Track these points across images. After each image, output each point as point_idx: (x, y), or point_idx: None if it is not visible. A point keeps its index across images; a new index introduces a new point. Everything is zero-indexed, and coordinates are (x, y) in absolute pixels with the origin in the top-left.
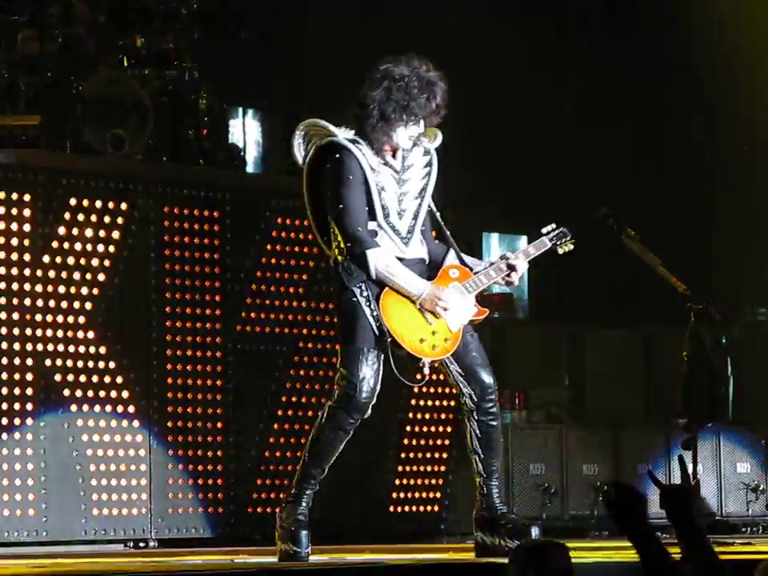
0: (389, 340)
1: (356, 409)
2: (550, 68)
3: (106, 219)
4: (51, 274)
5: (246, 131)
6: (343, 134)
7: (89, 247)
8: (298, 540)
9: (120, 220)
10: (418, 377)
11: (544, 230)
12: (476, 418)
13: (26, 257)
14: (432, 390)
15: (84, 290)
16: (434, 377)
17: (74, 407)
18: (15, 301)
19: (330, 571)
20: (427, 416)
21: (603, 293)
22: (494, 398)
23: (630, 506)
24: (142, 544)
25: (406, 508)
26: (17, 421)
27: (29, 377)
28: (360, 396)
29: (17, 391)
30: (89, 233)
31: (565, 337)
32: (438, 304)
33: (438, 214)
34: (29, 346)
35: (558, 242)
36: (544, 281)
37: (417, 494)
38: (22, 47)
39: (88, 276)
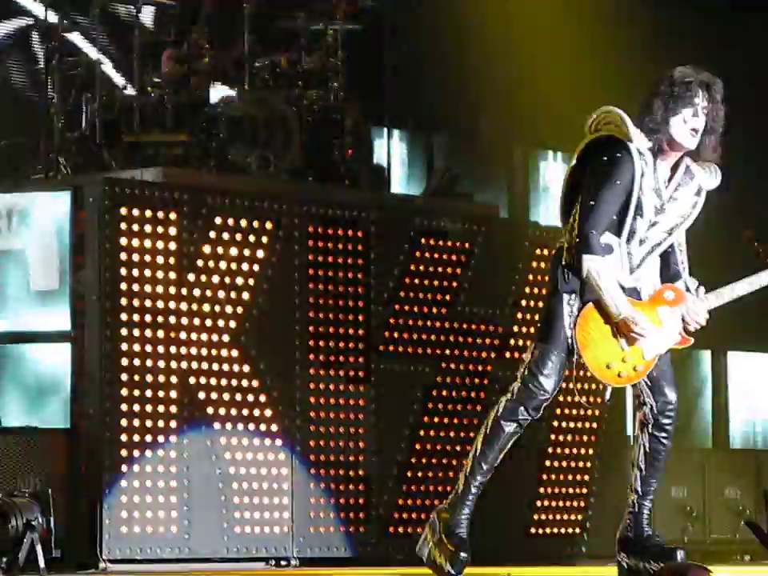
0: (576, 358)
1: (533, 406)
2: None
3: (251, 238)
4: (196, 292)
5: (390, 151)
6: (640, 141)
7: (233, 266)
8: (456, 562)
9: (264, 239)
10: (598, 400)
11: None
12: (650, 431)
13: (171, 275)
14: (574, 411)
15: (228, 309)
16: (576, 399)
17: (217, 425)
18: (160, 319)
19: None
20: (569, 438)
21: (745, 314)
22: (673, 416)
23: None
24: (283, 563)
25: (547, 530)
26: (161, 438)
27: (173, 394)
28: (540, 394)
29: (161, 409)
30: (233, 251)
31: (707, 358)
32: (633, 330)
33: (682, 238)
34: (173, 364)
35: None
36: None
37: (558, 516)
38: (168, 67)
39: (232, 294)
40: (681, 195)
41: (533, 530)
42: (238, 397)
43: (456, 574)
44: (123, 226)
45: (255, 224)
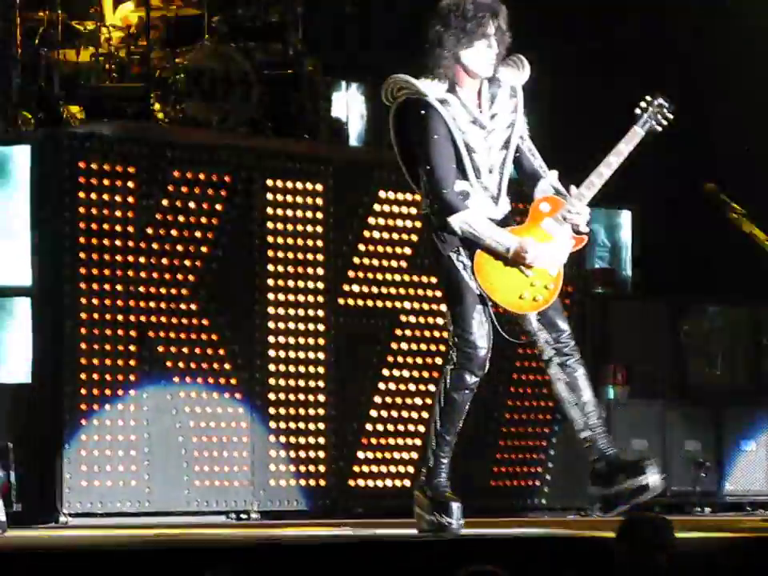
0: (489, 303)
1: (477, 366)
2: None
3: (209, 191)
4: (155, 245)
5: (349, 104)
6: (434, 91)
7: (192, 219)
8: (450, 511)
9: (223, 192)
10: (523, 337)
11: (638, 110)
12: (558, 361)
13: (130, 228)
14: (534, 363)
15: (187, 263)
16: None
17: (176, 379)
18: (119, 272)
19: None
20: (529, 390)
21: (708, 267)
22: (571, 341)
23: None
24: (243, 516)
25: (507, 482)
26: (120, 392)
27: (132, 348)
28: (479, 352)
29: (120, 362)
30: (192, 205)
31: (668, 311)
32: (526, 258)
33: (529, 144)
34: (132, 318)
35: (654, 122)
36: (648, 255)
37: (518, 469)
38: (125, 19)
39: (191, 248)
40: (499, 107)
41: (492, 483)
42: (197, 350)
43: (454, 520)
44: (82, 180)
45: (214, 177)
